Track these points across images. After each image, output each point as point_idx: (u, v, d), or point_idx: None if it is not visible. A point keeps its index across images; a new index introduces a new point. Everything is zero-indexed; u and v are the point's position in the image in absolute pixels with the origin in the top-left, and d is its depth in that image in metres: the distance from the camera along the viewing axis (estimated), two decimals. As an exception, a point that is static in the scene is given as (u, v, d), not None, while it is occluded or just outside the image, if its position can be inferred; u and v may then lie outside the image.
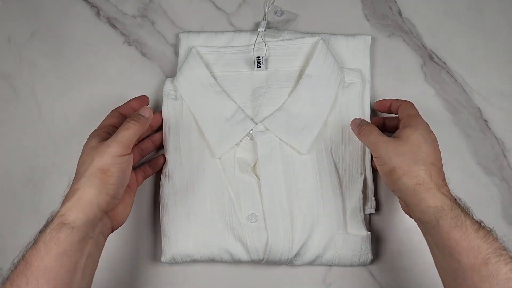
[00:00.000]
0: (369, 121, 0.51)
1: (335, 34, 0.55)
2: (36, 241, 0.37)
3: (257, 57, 0.51)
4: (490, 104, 0.55)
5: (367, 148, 0.51)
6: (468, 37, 0.57)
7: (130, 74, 0.56)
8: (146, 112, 0.45)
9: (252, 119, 0.50)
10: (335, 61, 0.51)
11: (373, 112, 0.53)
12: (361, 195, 0.50)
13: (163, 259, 0.49)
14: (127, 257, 0.52)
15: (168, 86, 0.52)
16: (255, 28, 0.57)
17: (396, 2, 0.58)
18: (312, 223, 0.48)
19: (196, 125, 0.50)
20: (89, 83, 0.56)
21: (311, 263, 0.49)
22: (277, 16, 0.55)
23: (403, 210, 0.44)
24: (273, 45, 0.52)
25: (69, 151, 0.54)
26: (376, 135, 0.44)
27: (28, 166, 0.54)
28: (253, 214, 0.48)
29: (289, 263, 0.49)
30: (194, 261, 0.49)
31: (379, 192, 0.53)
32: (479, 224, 0.37)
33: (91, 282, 0.39)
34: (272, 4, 0.53)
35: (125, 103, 0.50)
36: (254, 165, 0.50)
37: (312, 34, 0.55)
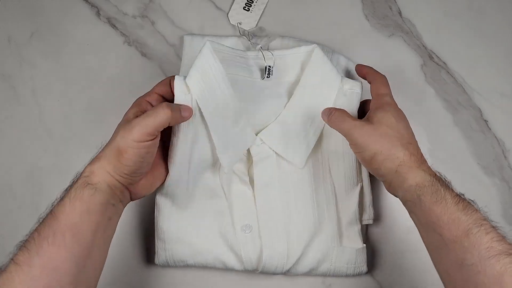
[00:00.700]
0: None
1: (338, 53, 0.55)
2: (62, 197, 0.38)
3: (269, 66, 0.49)
4: (490, 104, 0.55)
5: None
6: (468, 37, 0.57)
7: (130, 74, 0.56)
8: (187, 112, 0.42)
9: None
10: (331, 67, 0.48)
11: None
12: (357, 207, 0.49)
13: (156, 261, 0.48)
14: (120, 258, 0.52)
15: (180, 88, 0.43)
16: (255, 30, 0.57)
17: (396, 2, 0.58)
18: (308, 236, 0.48)
19: (205, 130, 0.45)
20: (89, 83, 0.56)
21: (306, 274, 0.49)
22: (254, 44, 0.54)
23: (387, 190, 0.44)
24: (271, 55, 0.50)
25: (69, 151, 0.54)
26: (349, 121, 0.43)
27: (28, 166, 0.54)
28: (248, 225, 0.48)
29: (284, 273, 0.49)
30: (188, 266, 0.49)
31: (378, 195, 0.53)
32: (459, 197, 0.38)
33: (108, 247, 0.40)
34: (258, 46, 0.51)
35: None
36: (250, 176, 0.49)
37: (311, 41, 0.54)
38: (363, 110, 0.49)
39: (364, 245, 0.49)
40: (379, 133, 0.41)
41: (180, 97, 0.43)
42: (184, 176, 0.47)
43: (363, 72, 0.49)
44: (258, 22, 0.57)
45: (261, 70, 0.49)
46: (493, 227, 0.36)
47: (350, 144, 0.44)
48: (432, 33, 0.57)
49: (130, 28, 0.58)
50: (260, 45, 0.51)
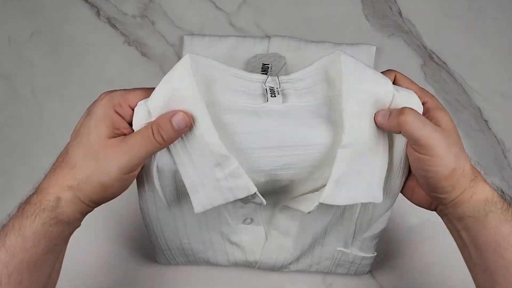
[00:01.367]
0: None
1: (340, 44, 0.54)
2: (21, 227, 0.32)
3: (271, 87, 0.36)
4: (490, 104, 0.55)
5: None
6: (468, 37, 0.57)
7: (130, 74, 0.56)
8: (182, 122, 0.32)
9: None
10: (373, 71, 0.35)
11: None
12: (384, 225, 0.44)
13: (158, 260, 0.48)
14: (123, 257, 0.52)
15: (140, 115, 0.34)
16: (255, 29, 0.57)
17: (396, 2, 0.58)
18: (315, 240, 0.45)
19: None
20: (89, 83, 0.56)
21: (305, 270, 0.48)
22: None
23: (415, 203, 0.39)
24: (286, 79, 0.37)
25: (69, 151, 0.54)
26: (429, 126, 0.33)
27: (28, 166, 0.54)
28: (249, 218, 0.44)
29: (283, 269, 0.48)
30: (190, 263, 0.49)
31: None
32: None
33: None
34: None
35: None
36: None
37: (311, 41, 0.54)
38: None
39: (375, 253, 0.47)
40: (453, 142, 0.33)
41: (138, 125, 0.33)
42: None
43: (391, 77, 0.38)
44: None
45: (272, 91, 0.37)
46: None
47: (420, 157, 0.33)
48: (432, 33, 0.57)
49: (130, 28, 0.58)
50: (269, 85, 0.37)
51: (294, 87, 0.37)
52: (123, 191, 0.34)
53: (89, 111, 0.34)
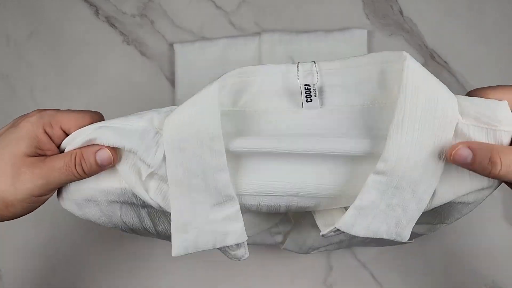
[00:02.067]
0: None
1: (331, 31, 0.54)
2: None
3: (306, 85, 0.30)
4: (491, 104, 0.55)
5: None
6: (469, 36, 0.57)
7: (129, 73, 0.56)
8: (106, 160, 0.30)
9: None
10: (440, 85, 0.29)
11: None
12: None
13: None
14: (135, 252, 0.51)
15: (149, 116, 0.30)
16: (255, 29, 0.56)
17: (397, 1, 0.58)
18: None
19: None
20: (87, 82, 0.56)
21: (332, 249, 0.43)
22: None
23: None
24: (327, 69, 0.31)
25: (68, 151, 0.53)
26: None
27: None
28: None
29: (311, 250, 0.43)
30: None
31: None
32: None
33: None
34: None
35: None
36: None
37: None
38: None
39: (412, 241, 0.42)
40: None
41: (138, 127, 0.30)
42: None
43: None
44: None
45: (308, 92, 0.30)
46: None
47: None
48: (433, 32, 0.57)
49: (129, 27, 0.57)
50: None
51: (339, 82, 0.30)
52: (27, 213, 0.32)
53: (14, 123, 0.32)
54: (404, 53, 0.28)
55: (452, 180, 0.29)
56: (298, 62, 0.30)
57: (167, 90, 0.56)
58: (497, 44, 0.56)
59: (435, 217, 0.35)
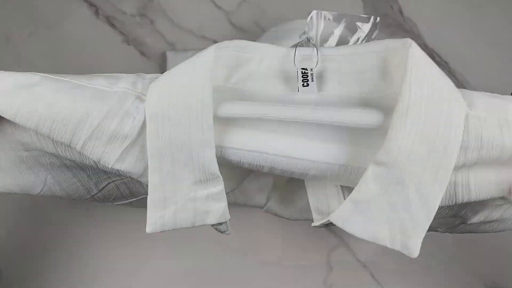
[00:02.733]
0: None
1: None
2: None
3: (304, 69, 0.29)
4: (492, 104, 0.55)
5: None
6: (470, 36, 0.57)
7: (128, 73, 0.56)
8: None
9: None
10: (444, 76, 0.27)
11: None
12: None
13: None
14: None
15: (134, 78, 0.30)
16: (255, 29, 0.56)
17: (397, 1, 0.58)
18: None
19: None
20: (87, 82, 0.56)
21: None
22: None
23: None
24: (328, 55, 0.29)
25: (68, 151, 0.53)
26: None
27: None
28: None
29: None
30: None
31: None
32: None
33: None
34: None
35: None
36: None
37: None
38: None
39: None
40: None
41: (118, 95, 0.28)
42: None
43: None
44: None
45: (305, 76, 0.29)
46: None
47: None
48: (433, 32, 0.57)
49: (128, 27, 0.57)
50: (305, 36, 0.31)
51: (339, 68, 0.29)
52: None
53: None
54: (409, 40, 0.27)
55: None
56: (298, 44, 0.29)
57: (167, 90, 0.55)
58: (497, 44, 0.56)
59: (457, 215, 0.32)
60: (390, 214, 0.27)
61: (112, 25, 0.57)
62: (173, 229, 0.29)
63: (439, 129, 0.25)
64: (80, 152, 0.28)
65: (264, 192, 0.40)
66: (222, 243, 0.51)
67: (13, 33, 0.57)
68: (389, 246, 0.28)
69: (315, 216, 0.31)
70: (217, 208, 0.29)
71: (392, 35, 0.57)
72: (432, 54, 0.56)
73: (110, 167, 0.28)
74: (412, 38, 0.59)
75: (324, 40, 0.33)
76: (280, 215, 0.41)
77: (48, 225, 0.53)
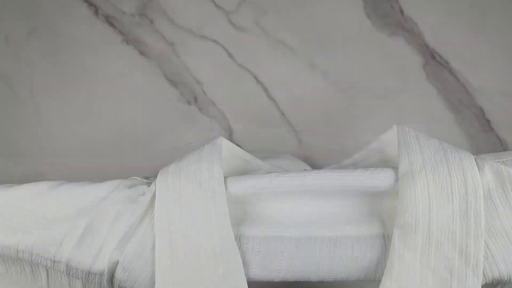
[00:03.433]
0: None
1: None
2: None
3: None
4: (492, 104, 0.55)
5: None
6: (471, 36, 0.56)
7: (128, 73, 0.56)
8: None
9: None
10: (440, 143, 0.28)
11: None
12: None
13: None
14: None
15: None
16: (255, 29, 0.56)
17: (397, 1, 0.58)
18: None
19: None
20: (87, 82, 0.56)
21: None
22: None
23: None
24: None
25: (67, 151, 0.53)
26: None
27: (26, 166, 0.54)
28: None
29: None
30: None
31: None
32: None
33: None
34: None
35: None
36: None
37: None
38: None
39: None
40: None
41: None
42: None
43: None
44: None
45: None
46: None
47: None
48: (434, 32, 0.57)
49: (128, 26, 0.57)
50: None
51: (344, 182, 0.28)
52: None
53: None
54: (394, 127, 0.28)
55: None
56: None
57: (167, 90, 0.55)
58: (498, 44, 0.56)
59: None
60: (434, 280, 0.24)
61: (111, 25, 0.57)
62: None
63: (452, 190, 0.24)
64: None
65: None
66: None
67: (12, 32, 0.57)
68: None
69: None
70: None
71: (392, 34, 0.57)
72: (432, 54, 0.56)
73: None
74: (413, 38, 0.59)
75: None
76: None
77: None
